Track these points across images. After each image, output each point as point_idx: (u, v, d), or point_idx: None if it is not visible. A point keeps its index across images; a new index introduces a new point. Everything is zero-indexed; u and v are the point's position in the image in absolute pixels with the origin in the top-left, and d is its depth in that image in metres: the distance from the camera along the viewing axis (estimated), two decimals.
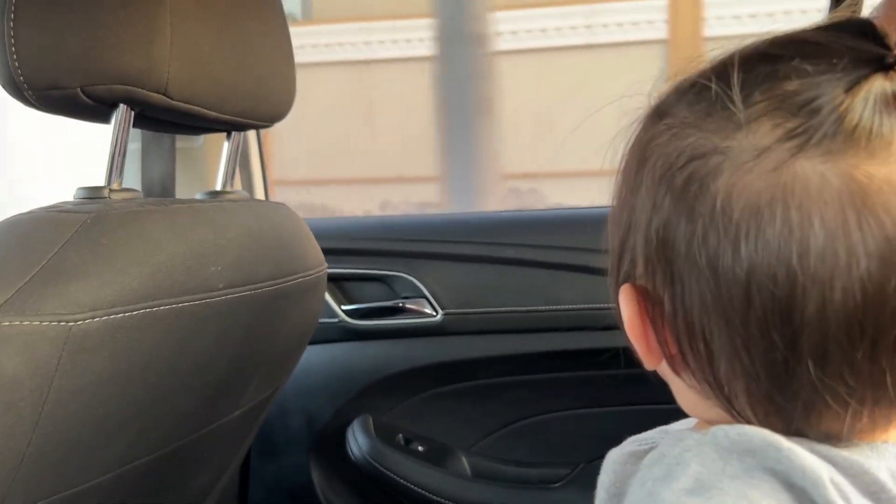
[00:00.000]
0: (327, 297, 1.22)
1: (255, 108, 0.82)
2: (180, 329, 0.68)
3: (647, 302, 0.41)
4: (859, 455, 0.37)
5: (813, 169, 0.34)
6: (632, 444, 0.51)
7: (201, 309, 0.70)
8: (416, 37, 4.97)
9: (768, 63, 0.37)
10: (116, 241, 0.63)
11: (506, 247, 1.24)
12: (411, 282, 1.24)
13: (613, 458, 0.51)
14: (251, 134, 1.37)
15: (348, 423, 1.23)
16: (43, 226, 0.62)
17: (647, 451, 0.46)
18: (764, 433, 0.37)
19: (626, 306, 0.42)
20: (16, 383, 0.55)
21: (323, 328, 1.04)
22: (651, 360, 0.43)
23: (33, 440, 0.58)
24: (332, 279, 1.23)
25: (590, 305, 1.16)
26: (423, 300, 1.24)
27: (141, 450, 0.72)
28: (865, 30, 0.36)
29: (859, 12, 1.06)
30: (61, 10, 0.64)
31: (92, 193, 0.69)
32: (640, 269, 0.41)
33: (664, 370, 0.44)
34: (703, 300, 0.37)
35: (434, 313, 1.23)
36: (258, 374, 0.89)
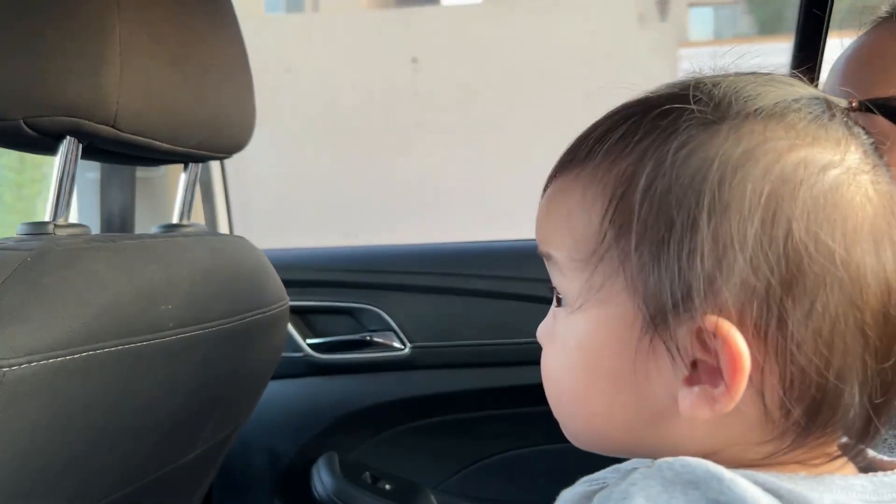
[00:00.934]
0: (292, 330, 1.19)
1: (212, 140, 0.80)
2: (126, 371, 0.65)
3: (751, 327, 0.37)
4: (803, 487, 0.36)
5: None
6: (583, 484, 0.51)
7: (149, 350, 0.67)
8: None
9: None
10: (58, 280, 0.60)
11: (475, 278, 1.22)
12: (378, 314, 1.21)
13: (565, 500, 0.50)
14: (215, 165, 1.34)
15: (313, 460, 1.20)
16: None
17: (596, 491, 0.45)
18: (707, 464, 0.36)
19: (729, 338, 0.37)
20: None
21: (287, 362, 1.01)
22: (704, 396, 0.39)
23: None
24: (297, 312, 1.20)
25: None
26: (391, 333, 1.21)
27: (85, 500, 0.68)
28: None
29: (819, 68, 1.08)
30: (4, 39, 0.62)
31: (35, 229, 0.65)
32: (728, 297, 0.37)
33: (686, 406, 0.39)
34: (837, 315, 0.36)
35: (402, 347, 1.20)
36: (215, 414, 0.86)
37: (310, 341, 1.22)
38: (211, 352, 0.76)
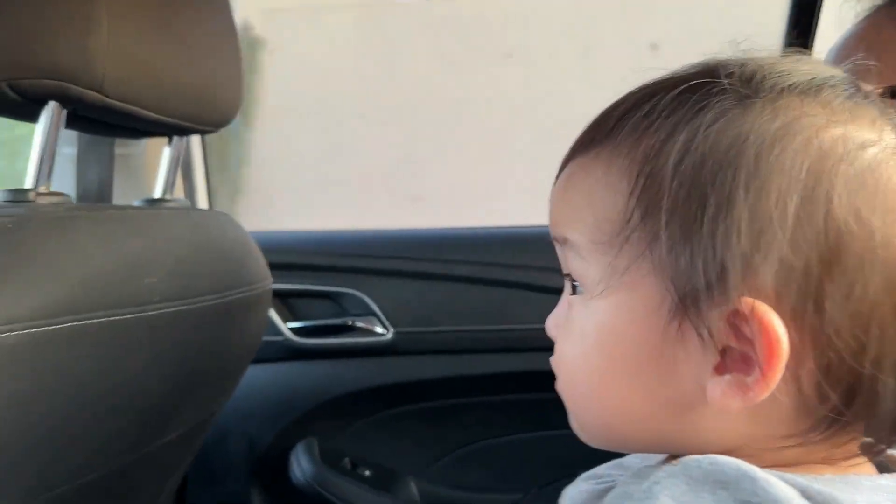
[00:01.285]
0: (272, 313, 1.17)
1: (198, 112, 0.78)
2: (109, 345, 0.63)
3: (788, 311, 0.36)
4: (832, 488, 0.35)
5: None
6: (587, 481, 0.49)
7: (133, 323, 0.64)
8: None
9: None
10: (39, 248, 0.58)
11: (459, 264, 1.21)
12: (361, 299, 1.20)
13: (571, 498, 0.48)
14: (195, 140, 1.31)
15: (292, 446, 1.18)
16: None
17: (605, 490, 0.44)
18: (738, 463, 0.35)
19: (765, 320, 0.35)
20: None
21: (266, 346, 0.99)
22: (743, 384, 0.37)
23: None
24: (278, 295, 1.18)
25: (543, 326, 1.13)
26: (374, 318, 1.19)
27: (62, 478, 0.66)
28: None
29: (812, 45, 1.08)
30: None
31: (16, 196, 0.63)
32: (766, 278, 0.35)
33: (713, 392, 0.37)
34: (876, 299, 0.35)
35: (384, 332, 1.19)
36: (196, 395, 0.84)
37: (290, 325, 1.20)
38: (194, 328, 0.74)
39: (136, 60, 0.66)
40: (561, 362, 0.45)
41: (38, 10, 0.60)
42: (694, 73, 0.39)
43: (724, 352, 0.37)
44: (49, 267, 0.57)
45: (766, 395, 0.35)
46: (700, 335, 0.36)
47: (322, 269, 1.22)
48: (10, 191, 0.63)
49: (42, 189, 0.65)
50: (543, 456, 1.19)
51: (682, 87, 0.38)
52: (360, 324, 1.20)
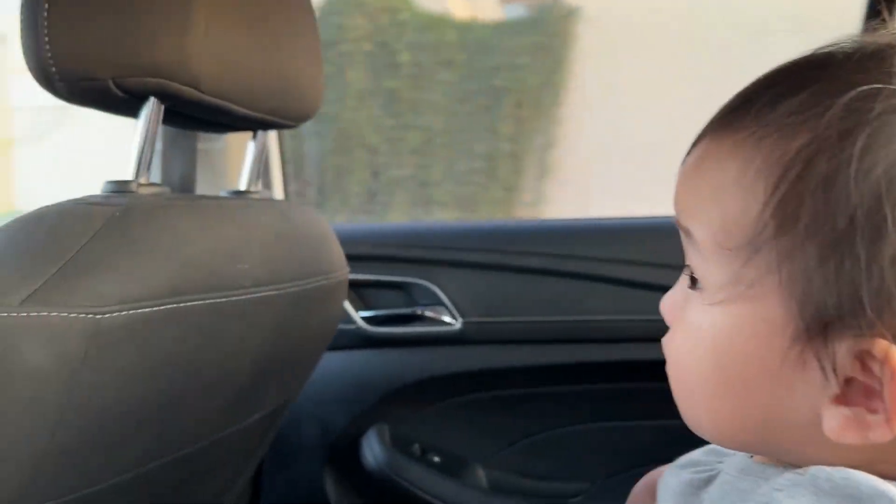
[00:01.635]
0: (345, 302, 1.21)
1: (282, 107, 0.81)
2: (205, 326, 0.67)
3: None
4: None
5: None
6: (686, 469, 0.47)
7: (227, 307, 0.68)
8: None
9: None
10: (144, 234, 0.62)
11: (528, 255, 1.22)
12: (431, 289, 1.22)
13: (671, 487, 0.47)
14: (271, 134, 1.36)
15: (364, 432, 1.21)
16: (71, 218, 0.60)
17: (706, 480, 0.43)
18: (874, 480, 0.33)
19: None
20: (41, 376, 0.54)
21: (340, 334, 1.02)
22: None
23: (56, 435, 0.56)
24: (351, 285, 1.21)
25: (618, 317, 1.14)
26: (443, 308, 1.22)
27: (158, 452, 0.70)
28: None
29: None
30: (95, 2, 0.63)
31: (120, 187, 0.67)
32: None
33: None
34: None
35: (453, 321, 1.21)
36: (277, 378, 0.87)
37: (363, 314, 1.23)
38: (280, 314, 0.78)
39: (228, 58, 0.70)
40: (672, 349, 0.43)
41: (139, 12, 0.64)
42: (858, 62, 0.35)
43: (848, 381, 0.34)
44: (153, 252, 0.61)
45: (888, 438, 0.33)
46: (822, 367, 0.34)
47: (393, 259, 1.25)
48: (115, 182, 0.68)
49: (142, 180, 0.69)
50: (611, 446, 1.20)
51: (844, 82, 0.34)
52: (429, 313, 1.22)
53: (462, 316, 1.21)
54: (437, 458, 1.20)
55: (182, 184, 1.19)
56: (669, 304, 0.44)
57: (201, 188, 1.22)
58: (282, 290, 0.76)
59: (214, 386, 0.73)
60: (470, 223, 1.33)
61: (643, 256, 1.10)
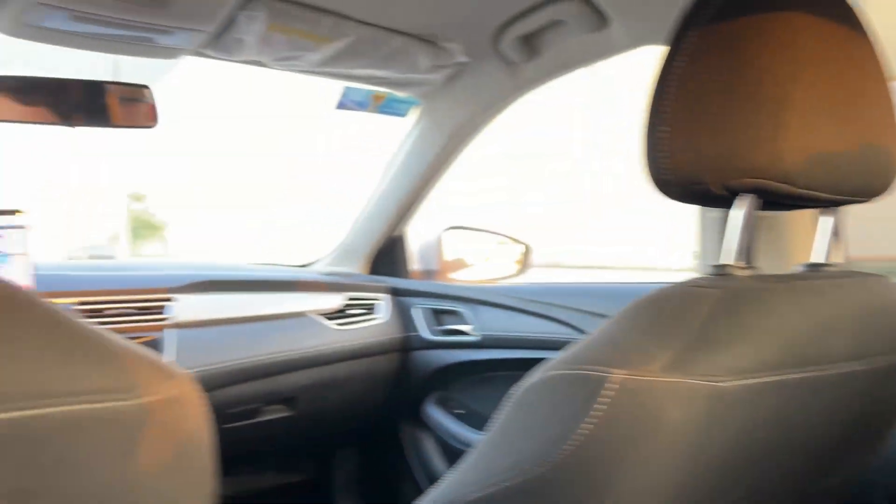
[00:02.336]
0: None
1: (862, 187, 0.85)
2: (799, 396, 0.74)
3: None
4: None
5: None
6: None
7: (820, 379, 0.75)
8: None
9: None
10: (750, 315, 0.72)
11: None
12: None
13: None
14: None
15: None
16: (689, 299, 0.74)
17: None
18: None
19: None
20: (678, 429, 0.68)
21: None
22: None
23: (683, 486, 0.70)
24: None
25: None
26: None
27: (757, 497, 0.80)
28: None
29: None
30: (705, 120, 0.77)
31: (722, 270, 0.80)
32: None
33: None
34: None
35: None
36: (851, 450, 0.89)
37: None
38: (866, 387, 0.81)
39: (818, 151, 0.77)
40: None
41: (740, 126, 0.75)
42: None
43: None
44: (759, 330, 0.71)
45: None
46: None
47: None
48: (718, 265, 0.80)
49: (739, 263, 0.80)
50: None
51: None
52: None
53: None
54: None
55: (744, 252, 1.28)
56: None
57: (760, 253, 1.30)
58: (867, 366, 0.79)
59: (790, 452, 0.80)
60: None
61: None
